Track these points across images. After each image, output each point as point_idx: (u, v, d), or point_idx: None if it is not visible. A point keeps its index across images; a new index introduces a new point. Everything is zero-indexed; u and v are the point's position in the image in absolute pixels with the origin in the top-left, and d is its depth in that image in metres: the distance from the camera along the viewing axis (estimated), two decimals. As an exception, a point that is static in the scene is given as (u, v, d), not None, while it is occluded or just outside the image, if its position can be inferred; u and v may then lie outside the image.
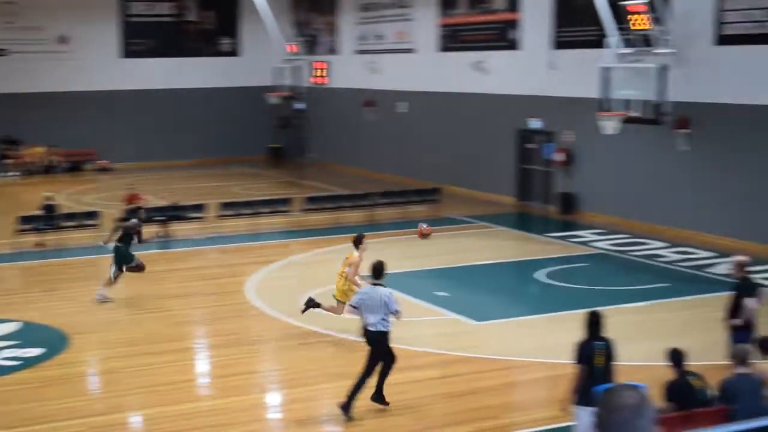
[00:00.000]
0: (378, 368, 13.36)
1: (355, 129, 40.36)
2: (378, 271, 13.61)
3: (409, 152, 36.91)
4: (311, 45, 43.52)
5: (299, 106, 43.10)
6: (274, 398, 14.91)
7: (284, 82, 42.44)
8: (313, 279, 21.47)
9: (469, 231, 26.83)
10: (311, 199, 29.01)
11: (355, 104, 39.88)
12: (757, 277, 16.07)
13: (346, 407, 13.12)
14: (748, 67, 23.77)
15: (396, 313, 13.33)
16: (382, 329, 13.29)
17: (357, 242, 16.65)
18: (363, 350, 15.88)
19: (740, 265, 14.02)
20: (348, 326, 17.38)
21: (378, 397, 13.44)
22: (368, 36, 39.94)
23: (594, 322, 11.41)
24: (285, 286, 21.02)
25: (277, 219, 27.93)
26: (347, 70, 41.12)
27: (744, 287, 13.75)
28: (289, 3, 44.80)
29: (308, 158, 43.65)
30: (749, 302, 13.46)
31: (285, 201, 28.65)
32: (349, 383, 14.46)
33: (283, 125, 45.14)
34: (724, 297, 14.72)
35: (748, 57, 23.72)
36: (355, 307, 13.52)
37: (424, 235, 18.72)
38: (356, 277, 16.50)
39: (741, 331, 13.41)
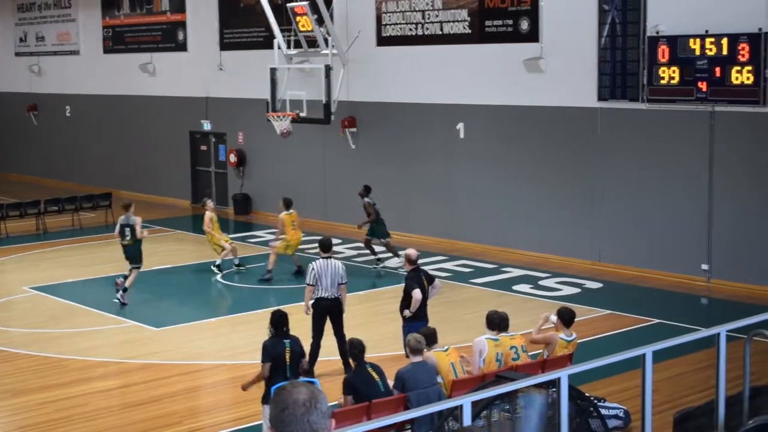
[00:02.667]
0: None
1: (20, 134, 38.73)
2: (327, 245, 14.97)
3: (79, 157, 35.89)
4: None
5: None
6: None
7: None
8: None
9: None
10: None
11: (18, 109, 38.26)
12: (429, 269, 16.79)
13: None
14: (405, 66, 24.89)
15: (346, 283, 14.71)
16: (338, 296, 14.59)
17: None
18: (42, 364, 15.49)
19: (409, 259, 14.65)
20: (22, 341, 16.81)
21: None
22: (29, 37, 38.45)
23: (280, 321, 11.64)
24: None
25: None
26: (6, 72, 39.39)
27: (414, 279, 14.39)
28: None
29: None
30: (415, 293, 14.12)
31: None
32: (25, 399, 14.06)
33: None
34: (399, 289, 15.31)
35: (406, 57, 24.84)
36: (312, 285, 14.49)
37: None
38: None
39: (414, 323, 14.03)
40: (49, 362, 15.78)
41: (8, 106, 38.95)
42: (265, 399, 11.41)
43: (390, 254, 21.99)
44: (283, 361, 11.43)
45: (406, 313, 14.23)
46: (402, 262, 17.71)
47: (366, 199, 21.74)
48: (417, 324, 13.90)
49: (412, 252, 14.73)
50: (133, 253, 19.56)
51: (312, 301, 14.60)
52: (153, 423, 13.10)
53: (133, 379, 14.98)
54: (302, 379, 10.40)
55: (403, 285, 14.62)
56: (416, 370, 11.13)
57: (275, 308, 12.20)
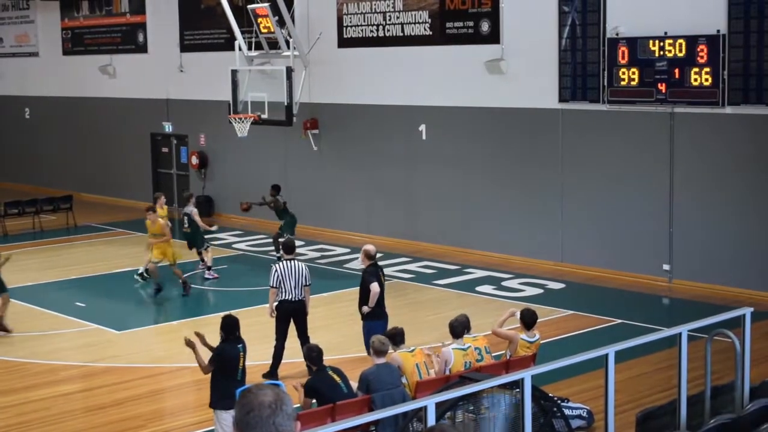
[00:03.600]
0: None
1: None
2: (290, 248, 15.08)
3: (37, 160, 35.60)
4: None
5: None
6: None
7: None
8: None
9: (107, 238, 26.32)
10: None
11: (-25, 111, 37.93)
12: (391, 271, 16.80)
13: (271, 375, 13.99)
14: (368, 69, 24.92)
15: (310, 285, 14.70)
16: (302, 298, 14.55)
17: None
18: (2, 368, 15.37)
19: (367, 254, 14.67)
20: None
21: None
22: (-13, 39, 38.11)
23: (232, 325, 11.61)
24: None
25: None
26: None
27: (371, 273, 14.41)
28: None
29: None
30: (373, 287, 14.14)
31: None
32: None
33: None
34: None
35: (368, 59, 24.87)
36: (275, 287, 14.48)
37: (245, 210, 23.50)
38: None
39: (374, 321, 14.06)
40: (9, 366, 15.69)
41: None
42: (215, 403, 11.42)
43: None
44: (236, 364, 11.42)
45: (365, 309, 14.23)
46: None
47: (277, 197, 22.90)
48: (377, 323, 13.93)
49: (370, 247, 14.74)
50: (192, 239, 21.37)
51: (276, 303, 14.58)
52: (116, 426, 13.06)
53: (96, 383, 14.92)
54: (267, 381, 10.40)
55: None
56: (380, 372, 11.15)
57: (226, 313, 12.16)
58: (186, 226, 21.30)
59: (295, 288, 14.50)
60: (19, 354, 16.18)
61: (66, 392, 14.59)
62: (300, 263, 14.84)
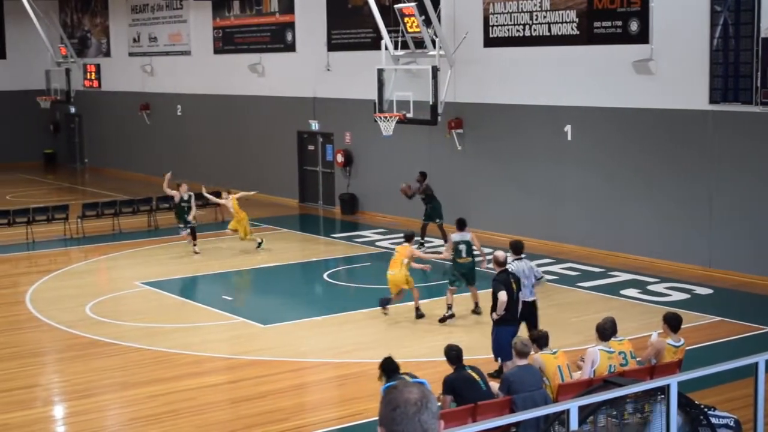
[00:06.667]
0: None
1: (132, 133, 39.63)
2: (518, 247, 15.07)
3: (188, 156, 36.54)
4: (82, 47, 42.45)
5: (71, 110, 42.02)
6: (58, 411, 14.55)
7: (55, 85, 41.29)
8: (95, 287, 21.07)
9: (254, 234, 26.80)
10: (89, 206, 28.19)
11: (130, 107, 39.15)
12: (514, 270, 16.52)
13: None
14: (513, 68, 24.79)
15: (542, 278, 15.00)
16: (534, 298, 14.69)
17: (409, 239, 18.20)
18: (153, 358, 15.82)
19: (497, 261, 14.58)
20: (133, 335, 17.20)
21: None
22: (142, 38, 39.30)
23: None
24: (66, 296, 20.46)
25: (54, 227, 27.11)
26: (121, 72, 40.32)
27: (500, 281, 14.32)
28: (57, 4, 43.53)
29: (82, 163, 42.61)
30: (501, 295, 14.07)
31: (62, 208, 27.79)
32: (136, 391, 14.36)
33: (56, 130, 43.91)
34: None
35: (512, 59, 24.73)
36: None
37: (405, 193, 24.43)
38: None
39: (503, 326, 13.96)
40: (159, 356, 16.11)
41: (122, 105, 39.85)
42: None
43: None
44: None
45: (493, 316, 14.17)
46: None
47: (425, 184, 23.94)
48: (506, 328, 13.83)
49: (501, 254, 14.64)
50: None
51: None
52: (259, 419, 13.27)
53: (241, 375, 15.22)
54: (412, 379, 10.43)
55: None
56: (522, 373, 11.08)
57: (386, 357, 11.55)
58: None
59: (526, 288, 14.49)
60: (168, 345, 16.61)
61: (212, 383, 14.92)
62: (526, 261, 14.90)
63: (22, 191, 35.78)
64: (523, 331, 14.05)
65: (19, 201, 32.35)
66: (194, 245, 24.08)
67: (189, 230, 24.23)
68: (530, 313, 14.72)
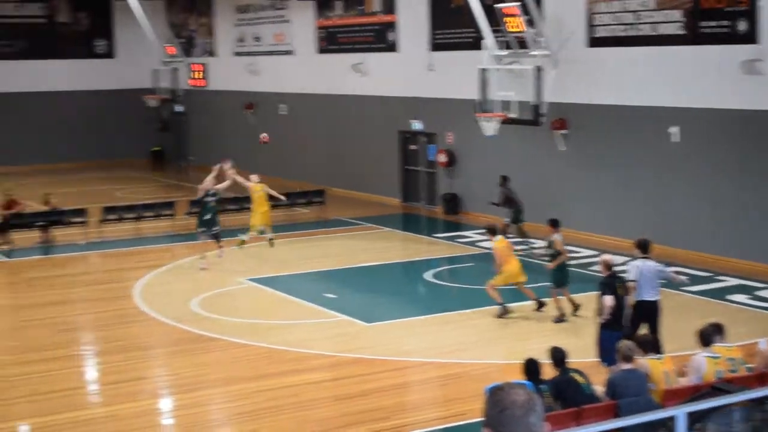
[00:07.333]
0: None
1: (236, 131, 40.18)
2: (645, 246, 14.82)
3: (291, 154, 36.93)
4: (189, 47, 43.20)
5: (178, 108, 42.79)
6: (165, 404, 14.88)
7: (162, 84, 42.12)
8: (200, 282, 21.43)
9: (355, 233, 27.03)
10: (195, 202, 28.58)
11: (235, 106, 39.72)
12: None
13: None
14: (618, 68, 24.52)
15: (675, 275, 14.96)
16: (656, 298, 14.47)
17: (495, 231, 18.30)
18: (257, 354, 16.06)
19: (605, 264, 14.45)
20: (238, 331, 17.47)
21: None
22: (246, 38, 39.83)
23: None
24: (172, 291, 20.92)
25: (161, 223, 27.68)
26: (226, 72, 40.94)
27: (607, 285, 14.21)
28: (165, 4, 44.38)
29: (188, 161, 43.37)
30: (607, 300, 13.95)
31: (168, 204, 28.35)
32: (240, 386, 14.58)
33: (163, 128, 44.77)
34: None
35: (617, 59, 24.47)
36: (635, 280, 14.37)
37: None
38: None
39: (609, 331, 13.86)
40: (263, 352, 16.35)
41: (227, 104, 40.44)
42: None
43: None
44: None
45: (598, 320, 14.10)
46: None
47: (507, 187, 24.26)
48: (611, 333, 13.72)
49: (609, 257, 14.54)
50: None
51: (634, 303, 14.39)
52: (361, 417, 13.38)
53: (344, 373, 15.36)
54: (516, 381, 10.42)
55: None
56: (627, 377, 10.99)
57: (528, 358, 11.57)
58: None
59: (652, 288, 14.42)
60: (272, 341, 16.83)
61: (315, 380, 15.08)
62: (652, 262, 14.73)
63: (131, 188, 36.58)
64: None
65: (127, 197, 33.06)
66: (220, 247, 22.68)
67: (213, 235, 22.62)
68: (651, 313, 14.56)
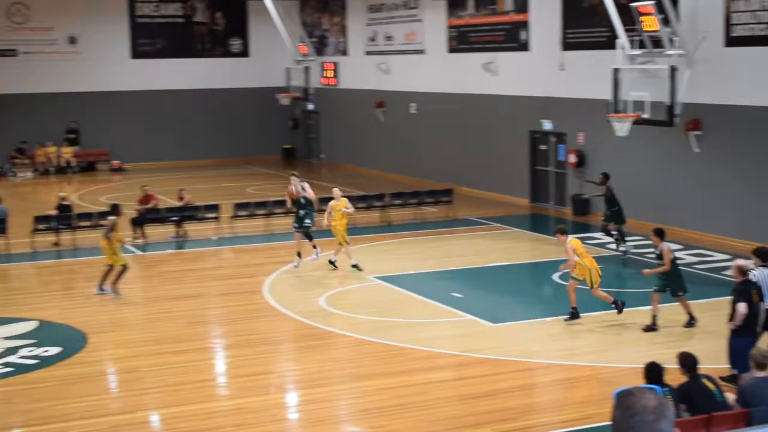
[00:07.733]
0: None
1: (367, 129, 40.50)
2: (765, 254, 14.34)
3: (420, 153, 37.04)
4: (321, 46, 43.71)
5: (310, 106, 43.34)
6: (292, 398, 15.06)
7: (294, 83, 42.74)
8: (329, 279, 21.64)
9: (483, 232, 26.94)
10: (325, 200, 28.88)
11: (365, 105, 40.02)
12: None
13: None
14: (756, 68, 23.86)
15: None
16: None
17: (562, 232, 18.18)
18: (384, 351, 16.13)
19: (739, 270, 14.06)
20: (365, 328, 17.59)
21: None
22: (378, 37, 40.08)
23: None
24: (301, 287, 21.18)
25: (290, 219, 27.95)
26: (357, 71, 41.28)
27: (740, 292, 13.81)
28: (298, 4, 44.99)
29: (319, 159, 43.88)
30: (740, 307, 13.56)
31: (298, 202, 28.65)
32: (366, 383, 14.67)
33: (294, 126, 45.44)
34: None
35: (756, 58, 23.82)
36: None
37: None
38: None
39: (742, 337, 13.49)
40: (390, 350, 16.40)
41: (358, 103, 40.78)
42: None
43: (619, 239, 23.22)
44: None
45: (729, 326, 13.72)
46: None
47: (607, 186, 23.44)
48: (744, 339, 13.36)
49: (743, 263, 14.10)
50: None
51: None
52: (488, 417, 13.33)
53: (470, 372, 15.34)
54: (645, 386, 10.25)
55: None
56: (761, 386, 10.70)
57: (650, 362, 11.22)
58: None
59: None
60: (399, 339, 16.88)
61: (441, 379, 15.09)
62: None
63: (262, 185, 37.15)
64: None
65: (259, 194, 33.59)
66: (314, 247, 22.36)
67: (305, 234, 22.54)
68: None
